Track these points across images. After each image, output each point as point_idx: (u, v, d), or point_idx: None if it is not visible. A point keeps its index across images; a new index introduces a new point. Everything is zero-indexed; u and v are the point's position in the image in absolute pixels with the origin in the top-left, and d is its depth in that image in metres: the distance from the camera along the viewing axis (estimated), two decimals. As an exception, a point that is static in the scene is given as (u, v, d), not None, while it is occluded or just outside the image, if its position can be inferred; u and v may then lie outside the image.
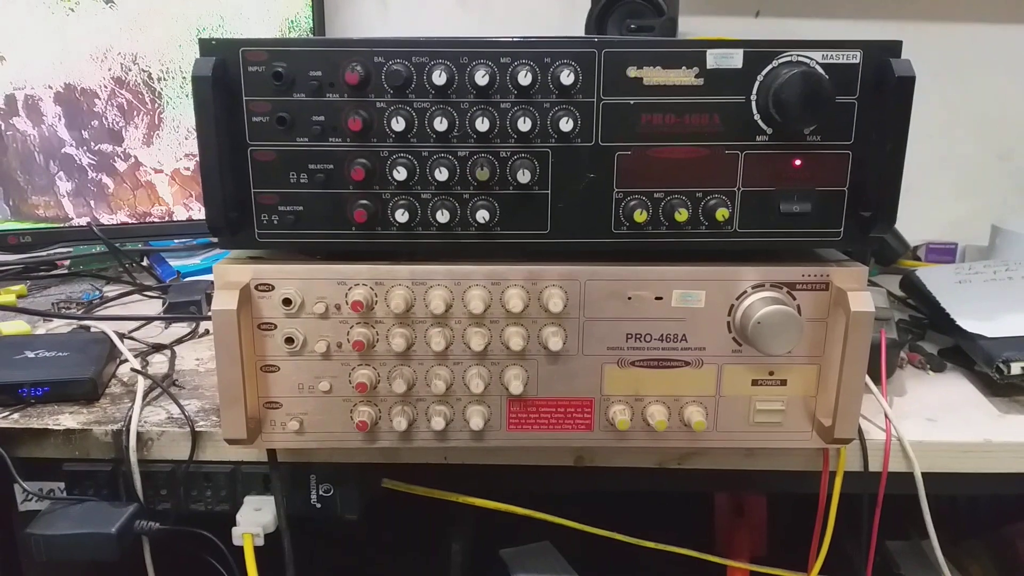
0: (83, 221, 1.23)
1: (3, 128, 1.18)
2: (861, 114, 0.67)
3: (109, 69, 1.21)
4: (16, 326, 0.98)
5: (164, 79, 1.23)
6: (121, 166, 1.24)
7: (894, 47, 0.66)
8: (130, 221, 1.26)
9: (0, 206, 1.20)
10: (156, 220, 1.28)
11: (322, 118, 0.66)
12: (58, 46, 1.18)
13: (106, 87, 1.21)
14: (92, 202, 1.24)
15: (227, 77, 0.65)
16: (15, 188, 1.20)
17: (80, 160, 1.22)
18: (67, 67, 1.19)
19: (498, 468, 0.78)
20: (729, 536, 1.11)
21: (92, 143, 1.22)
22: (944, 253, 1.36)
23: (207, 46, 0.65)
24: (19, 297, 1.13)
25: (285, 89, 0.66)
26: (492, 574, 1.11)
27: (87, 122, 1.21)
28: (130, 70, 1.21)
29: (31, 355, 0.85)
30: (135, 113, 1.23)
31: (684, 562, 0.89)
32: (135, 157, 1.25)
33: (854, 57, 0.66)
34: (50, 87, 1.19)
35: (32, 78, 1.18)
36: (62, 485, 0.78)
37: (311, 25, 1.30)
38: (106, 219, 1.25)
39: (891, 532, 1.07)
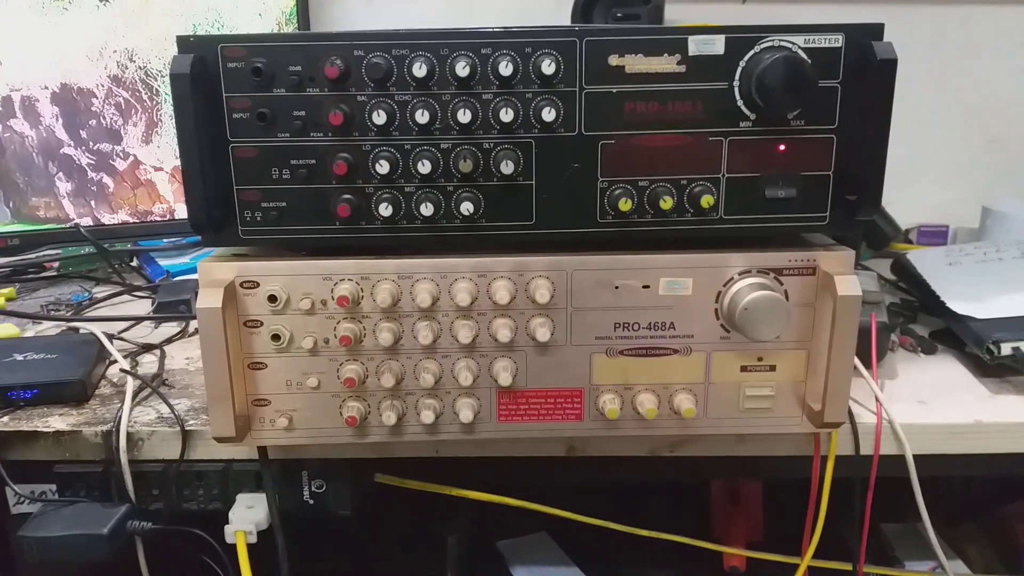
0: (73, 223, 1.23)
1: (1, 130, 1.17)
2: (844, 98, 0.66)
3: (105, 68, 1.20)
4: (5, 329, 0.98)
5: (162, 76, 1.22)
6: (120, 165, 1.24)
7: (876, 30, 0.65)
8: (131, 220, 1.26)
9: (1, 208, 1.20)
10: (157, 218, 1.27)
11: (303, 113, 0.66)
12: (53, 46, 1.17)
13: (103, 86, 1.20)
14: (92, 202, 1.23)
15: (206, 74, 0.65)
16: (15, 190, 1.20)
17: (79, 160, 1.22)
18: (63, 67, 1.18)
19: (491, 460, 0.78)
20: (725, 523, 1.11)
21: (91, 143, 1.22)
22: (935, 236, 1.36)
23: (185, 43, 0.64)
24: (8, 300, 1.13)
25: (265, 85, 0.65)
26: (489, 566, 1.11)
27: (85, 122, 1.21)
28: (127, 68, 1.21)
29: (20, 358, 0.85)
30: (133, 111, 1.22)
31: (681, 549, 0.89)
32: (134, 156, 1.24)
33: (836, 41, 0.65)
34: (46, 87, 1.18)
35: (28, 79, 1.17)
36: (54, 487, 0.78)
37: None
38: (107, 219, 1.24)
39: (888, 515, 1.08)
